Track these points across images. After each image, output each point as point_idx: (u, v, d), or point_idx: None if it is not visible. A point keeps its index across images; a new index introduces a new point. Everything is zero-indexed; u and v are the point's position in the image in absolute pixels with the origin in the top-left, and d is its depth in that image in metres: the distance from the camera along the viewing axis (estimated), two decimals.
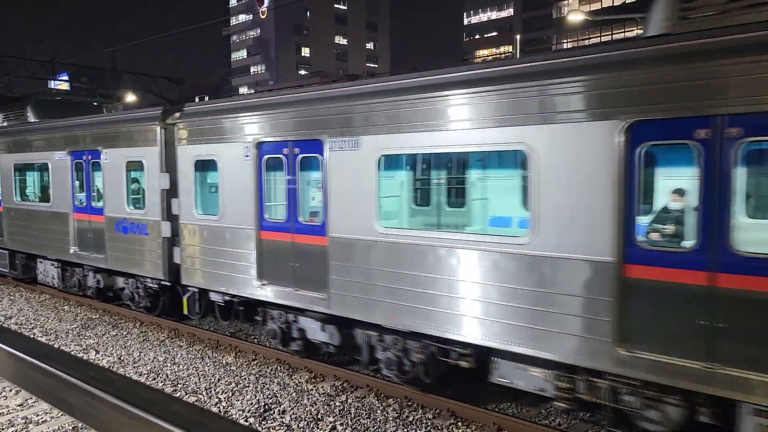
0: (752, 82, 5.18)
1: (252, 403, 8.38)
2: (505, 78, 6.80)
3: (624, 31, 66.09)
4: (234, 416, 7.99)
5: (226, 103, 10.45)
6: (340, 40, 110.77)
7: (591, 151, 6.10)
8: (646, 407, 6.22)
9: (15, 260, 16.47)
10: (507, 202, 8.84)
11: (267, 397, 8.60)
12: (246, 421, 7.84)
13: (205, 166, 10.65)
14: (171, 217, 11.37)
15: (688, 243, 5.79)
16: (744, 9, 5.59)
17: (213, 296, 10.77)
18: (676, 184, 6.47)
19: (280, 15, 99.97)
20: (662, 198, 6.70)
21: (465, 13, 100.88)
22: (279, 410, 8.15)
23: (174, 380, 9.41)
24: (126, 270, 12.55)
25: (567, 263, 6.33)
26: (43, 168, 14.95)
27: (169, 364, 10.16)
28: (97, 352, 10.93)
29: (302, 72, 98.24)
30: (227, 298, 10.48)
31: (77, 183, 13.83)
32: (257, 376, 9.49)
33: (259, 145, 9.52)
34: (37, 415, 7.50)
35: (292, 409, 8.20)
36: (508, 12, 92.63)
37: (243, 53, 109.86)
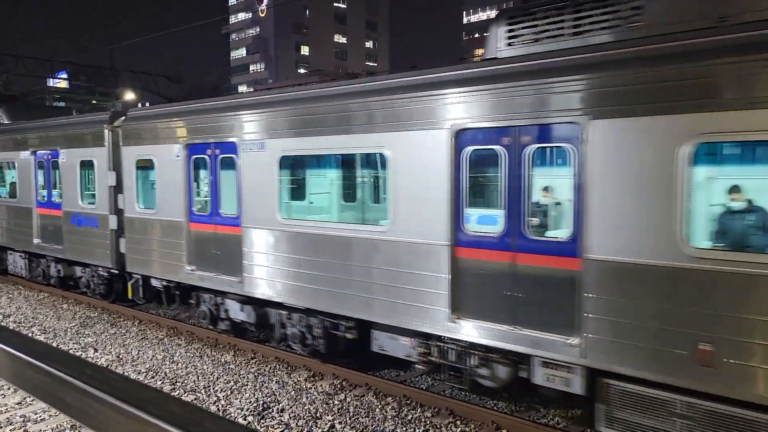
0: (536, 99, 6.51)
1: (251, 402, 8.37)
2: (367, 92, 8.19)
3: None
4: (233, 415, 7.97)
5: (162, 109, 12.00)
6: (340, 39, 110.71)
7: (431, 154, 7.39)
8: (480, 366, 7.38)
9: None
10: (375, 197, 9.89)
11: (266, 396, 8.59)
12: (245, 419, 7.83)
13: (144, 165, 11.89)
14: (117, 211, 12.69)
15: (498, 229, 6.97)
16: (548, 39, 6.97)
17: (154, 282, 12.05)
18: (490, 182, 7.63)
19: (280, 13, 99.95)
20: (482, 192, 8.06)
21: (464, 12, 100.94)
22: (278, 409, 8.14)
23: (173, 378, 9.40)
24: (81, 260, 13.91)
25: (417, 247, 7.61)
26: (11, 167, 16.50)
27: (167, 363, 10.14)
28: (96, 350, 10.91)
29: (301, 70, 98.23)
30: (164, 283, 11.78)
31: (40, 180, 15.17)
32: (256, 374, 9.48)
33: (188, 147, 10.80)
34: (36, 414, 7.49)
35: (291, 407, 8.19)
36: None
37: (242, 52, 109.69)
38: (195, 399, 8.59)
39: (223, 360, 10.23)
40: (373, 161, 9.13)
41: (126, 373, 9.68)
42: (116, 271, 13.11)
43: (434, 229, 7.37)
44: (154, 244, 11.62)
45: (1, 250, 17.31)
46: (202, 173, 10.93)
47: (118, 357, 10.51)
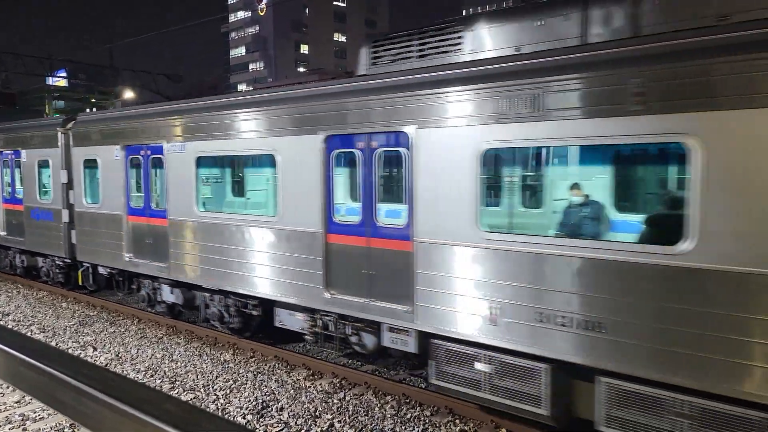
0: (383, 111, 7.73)
1: (250, 401, 8.35)
2: (261, 102, 9.48)
3: None
4: (232, 413, 7.95)
5: (105, 114, 13.52)
6: (339, 38, 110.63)
7: (308, 156, 8.60)
8: (352, 335, 8.65)
9: None
10: (271, 191, 10.76)
11: (265, 395, 8.56)
12: (244, 418, 7.81)
13: (91, 164, 13.19)
14: (69, 206, 14.04)
15: (357, 218, 8.28)
16: (401, 60, 8.13)
17: (101, 270, 13.45)
18: (351, 179, 9.61)
19: (279, 12, 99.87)
20: (346, 187, 9.95)
21: (464, 11, 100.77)
22: (277, 407, 8.11)
23: (172, 377, 9.37)
24: (40, 251, 15.33)
25: (299, 234, 8.84)
26: None
27: (167, 361, 10.12)
28: (95, 349, 10.89)
29: (301, 69, 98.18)
30: (109, 270, 13.16)
31: (6, 178, 16.51)
32: (255, 373, 9.45)
33: (126, 148, 12.11)
34: (35, 412, 7.47)
35: (290, 406, 8.16)
36: None
37: (242, 50, 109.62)
38: (194, 398, 8.56)
39: (222, 359, 10.20)
40: (269, 161, 10.04)
41: (125, 372, 9.67)
42: (69, 261, 14.45)
43: (311, 218, 8.63)
44: (100, 236, 12.98)
45: None
46: (137, 172, 12.19)
47: (117, 355, 10.49)
